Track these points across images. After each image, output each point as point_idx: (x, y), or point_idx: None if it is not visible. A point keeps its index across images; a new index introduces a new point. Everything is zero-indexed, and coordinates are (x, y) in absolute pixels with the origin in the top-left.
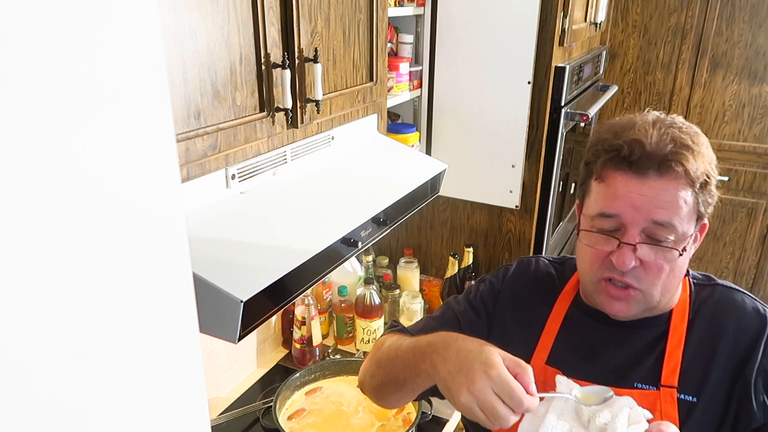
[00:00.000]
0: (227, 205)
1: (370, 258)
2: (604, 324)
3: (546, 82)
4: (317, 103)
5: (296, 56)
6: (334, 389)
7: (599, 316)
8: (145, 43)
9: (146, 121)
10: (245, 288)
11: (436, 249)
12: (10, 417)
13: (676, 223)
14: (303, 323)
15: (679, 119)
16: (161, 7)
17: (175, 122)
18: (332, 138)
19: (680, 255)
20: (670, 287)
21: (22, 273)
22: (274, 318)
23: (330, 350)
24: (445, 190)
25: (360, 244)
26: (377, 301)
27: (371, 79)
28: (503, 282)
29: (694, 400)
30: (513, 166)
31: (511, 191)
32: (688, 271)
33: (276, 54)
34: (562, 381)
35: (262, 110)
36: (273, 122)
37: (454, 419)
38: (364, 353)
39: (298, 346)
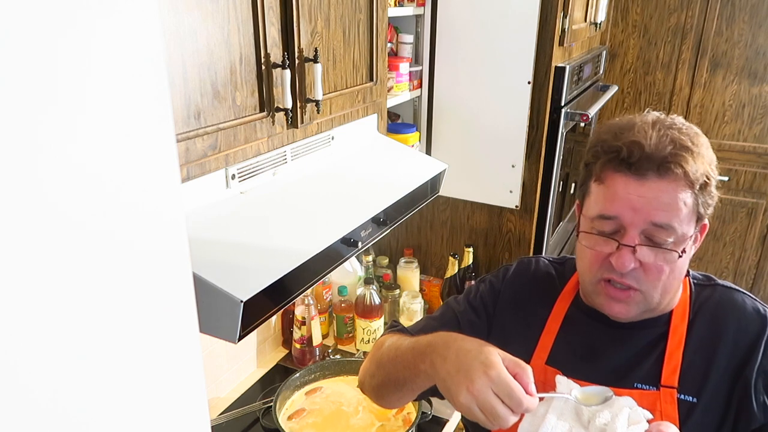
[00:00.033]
0: (227, 205)
1: (370, 258)
2: (604, 324)
3: (546, 82)
4: (317, 103)
5: (296, 56)
6: (334, 389)
7: (599, 316)
8: (145, 43)
9: (146, 121)
10: (245, 288)
11: (436, 249)
12: (11, 417)
13: (675, 225)
14: (303, 323)
15: (679, 120)
16: (161, 7)
17: (175, 122)
18: (332, 138)
19: (680, 256)
20: (670, 288)
21: (23, 273)
22: (274, 318)
23: (330, 350)
24: (445, 190)
25: (360, 244)
26: (377, 301)
27: (371, 79)
28: (503, 282)
29: (694, 400)
30: (513, 166)
31: (511, 191)
32: (688, 271)
33: (276, 54)
34: (562, 381)
35: (262, 110)
36: (273, 122)
37: (454, 419)
38: (364, 353)
39: (298, 346)
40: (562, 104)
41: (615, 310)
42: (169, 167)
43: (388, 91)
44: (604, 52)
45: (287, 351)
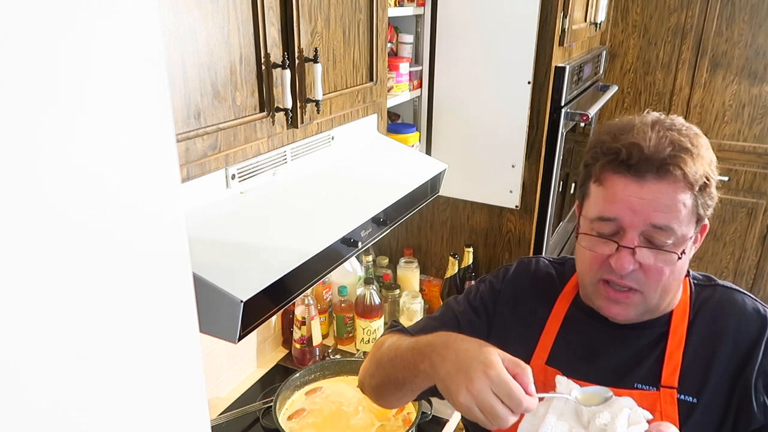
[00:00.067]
0: (227, 205)
1: (370, 258)
2: (604, 324)
3: (546, 82)
4: (317, 103)
5: (296, 56)
6: (334, 389)
7: (599, 316)
8: (145, 43)
9: (146, 121)
10: (245, 288)
11: (436, 249)
12: (11, 417)
13: (674, 227)
14: (303, 323)
15: (679, 120)
16: (161, 7)
17: (175, 122)
18: (332, 138)
19: (679, 258)
20: (669, 289)
21: (23, 273)
22: (274, 318)
23: (330, 350)
24: (445, 190)
25: (360, 244)
26: (377, 301)
27: (371, 79)
28: (503, 282)
29: (694, 400)
30: (513, 166)
31: (511, 191)
32: (688, 271)
33: (276, 54)
34: (562, 381)
35: (262, 110)
36: (273, 122)
37: (454, 419)
38: (364, 353)
39: (298, 346)
40: (562, 104)
41: (613, 311)
42: (169, 167)
43: (388, 91)
44: (604, 52)
45: (287, 351)
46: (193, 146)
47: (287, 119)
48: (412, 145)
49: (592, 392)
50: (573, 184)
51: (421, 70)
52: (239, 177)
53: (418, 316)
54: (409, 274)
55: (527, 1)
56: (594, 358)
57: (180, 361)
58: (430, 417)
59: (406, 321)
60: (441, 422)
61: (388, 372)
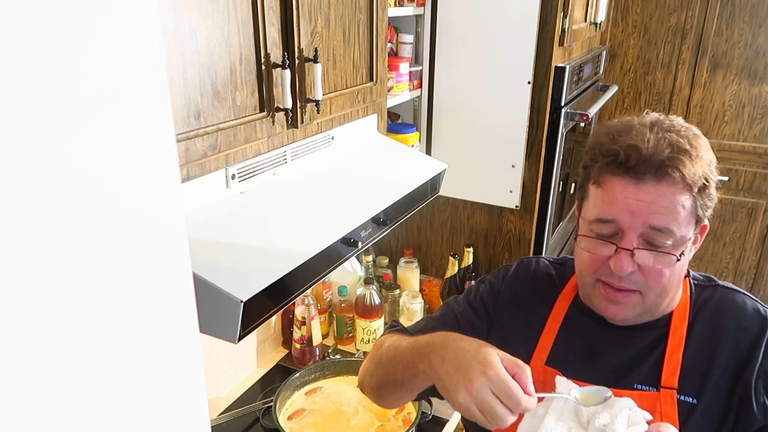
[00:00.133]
0: (227, 205)
1: (370, 258)
2: (604, 325)
3: (546, 82)
4: (317, 103)
5: (296, 56)
6: (334, 389)
7: (599, 317)
8: (145, 43)
9: (146, 121)
10: (245, 288)
11: (436, 249)
12: (11, 417)
13: (674, 228)
14: (303, 323)
15: (678, 121)
16: (161, 7)
17: (175, 122)
18: (332, 138)
19: (678, 259)
20: (669, 291)
21: (23, 273)
22: (274, 318)
23: (330, 350)
24: (445, 190)
25: (360, 244)
26: (377, 301)
27: (371, 79)
28: (503, 282)
29: (694, 401)
30: (513, 166)
31: (511, 191)
32: (688, 272)
33: (276, 54)
34: (561, 382)
35: (262, 110)
36: (273, 122)
37: (454, 419)
38: (364, 353)
39: (298, 346)
40: (562, 104)
41: (611, 311)
42: (169, 167)
43: (388, 91)
44: (604, 52)
45: (287, 351)
46: (193, 146)
47: (287, 119)
48: (412, 145)
49: (591, 392)
50: (573, 184)
51: (421, 70)
52: (239, 177)
53: (418, 316)
54: (409, 274)
55: (527, 1)
56: (594, 358)
57: (180, 361)
58: (430, 417)
59: (406, 321)
60: (441, 422)
61: (387, 372)
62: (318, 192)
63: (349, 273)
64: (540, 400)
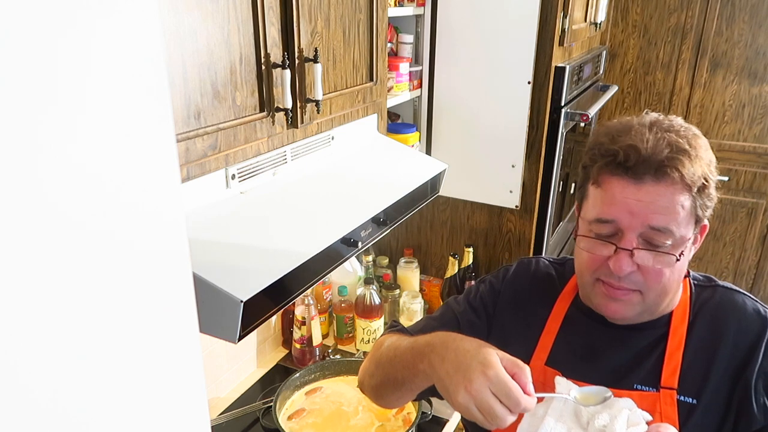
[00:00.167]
0: (227, 205)
1: (370, 258)
2: (603, 325)
3: (546, 82)
4: (317, 103)
5: (296, 56)
6: (334, 389)
7: (599, 316)
8: (145, 43)
9: (146, 121)
10: (245, 288)
11: (436, 249)
12: (11, 417)
13: (673, 228)
14: (303, 323)
15: (678, 121)
16: (161, 7)
17: (175, 122)
18: (332, 138)
19: (678, 259)
20: (668, 291)
21: (22, 273)
22: (274, 318)
23: (330, 350)
24: (445, 190)
25: (360, 244)
26: (377, 301)
27: (371, 79)
28: (503, 282)
29: (694, 402)
30: (513, 166)
31: (511, 191)
32: (688, 272)
33: (276, 54)
34: (561, 382)
35: (262, 110)
36: (273, 122)
37: (454, 419)
38: (364, 353)
39: (298, 346)
40: (562, 104)
41: (611, 309)
42: (169, 167)
43: (388, 91)
44: (604, 52)
45: (287, 351)
46: (193, 146)
47: (287, 119)
48: (412, 145)
49: (591, 392)
50: (573, 184)
51: (421, 70)
52: (239, 177)
53: (418, 316)
54: (409, 274)
55: (527, 1)
56: (594, 358)
57: (180, 361)
58: (430, 417)
59: (406, 321)
60: (441, 422)
61: (387, 372)
62: (318, 192)
63: (349, 273)
64: (540, 400)
